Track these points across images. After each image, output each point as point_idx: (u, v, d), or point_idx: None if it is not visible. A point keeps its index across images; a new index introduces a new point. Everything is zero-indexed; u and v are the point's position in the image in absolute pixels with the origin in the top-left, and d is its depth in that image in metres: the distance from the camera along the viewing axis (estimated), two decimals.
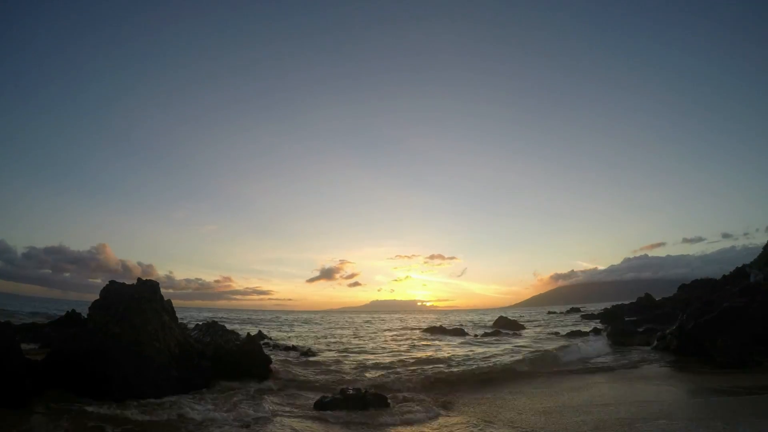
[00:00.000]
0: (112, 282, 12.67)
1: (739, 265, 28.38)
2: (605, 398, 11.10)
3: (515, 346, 22.63)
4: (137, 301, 11.96)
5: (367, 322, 62.29)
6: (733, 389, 11.58)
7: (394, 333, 37.19)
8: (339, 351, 21.89)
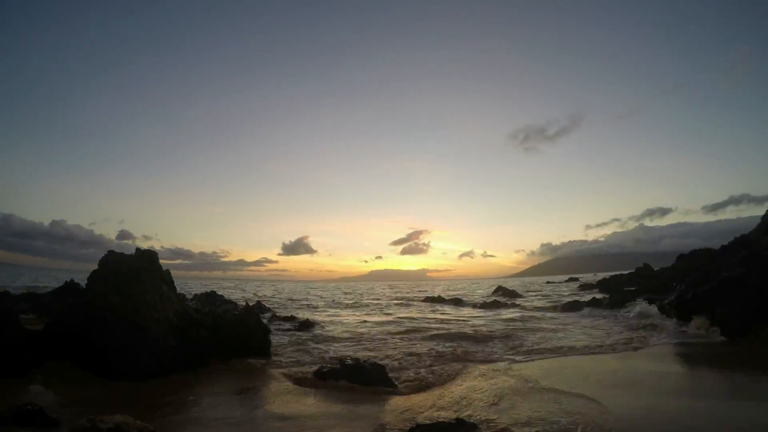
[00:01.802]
0: (110, 252, 12.56)
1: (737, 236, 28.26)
2: None
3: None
4: (136, 271, 11.88)
5: (365, 292, 62.67)
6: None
7: (392, 304, 37.41)
8: (337, 322, 22.01)
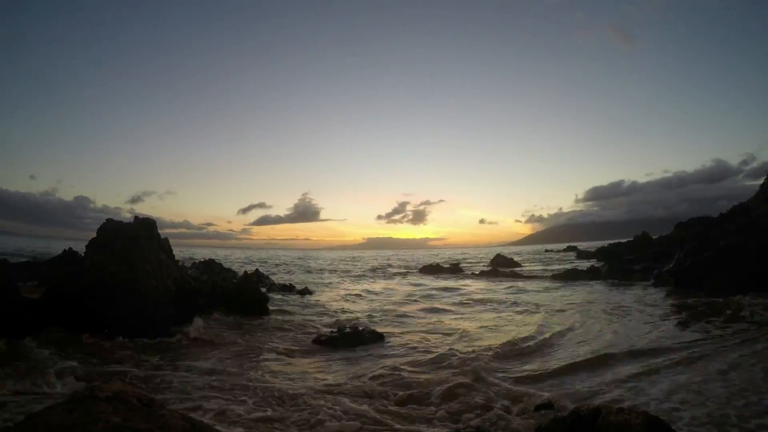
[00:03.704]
0: (109, 220, 12.49)
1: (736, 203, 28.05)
2: None
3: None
4: (134, 239, 11.83)
5: (363, 261, 62.81)
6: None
7: (390, 273, 37.52)
8: (335, 290, 22.08)
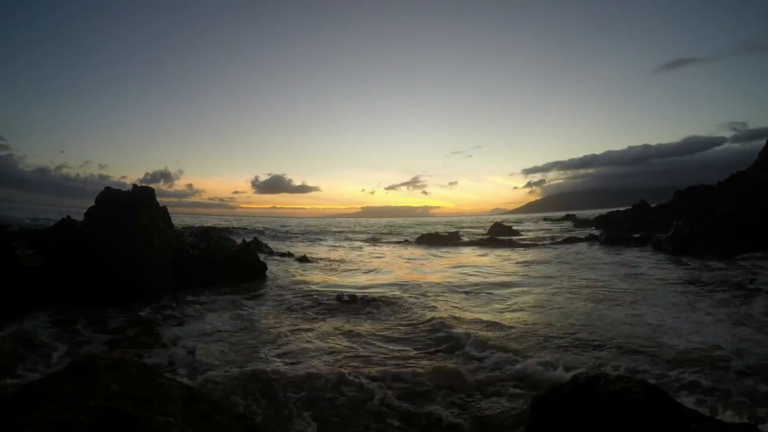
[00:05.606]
0: (107, 188, 12.47)
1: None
2: None
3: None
4: (133, 208, 11.82)
5: (357, 229, 62.96)
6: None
7: (385, 242, 37.59)
8: (333, 259, 22.12)
